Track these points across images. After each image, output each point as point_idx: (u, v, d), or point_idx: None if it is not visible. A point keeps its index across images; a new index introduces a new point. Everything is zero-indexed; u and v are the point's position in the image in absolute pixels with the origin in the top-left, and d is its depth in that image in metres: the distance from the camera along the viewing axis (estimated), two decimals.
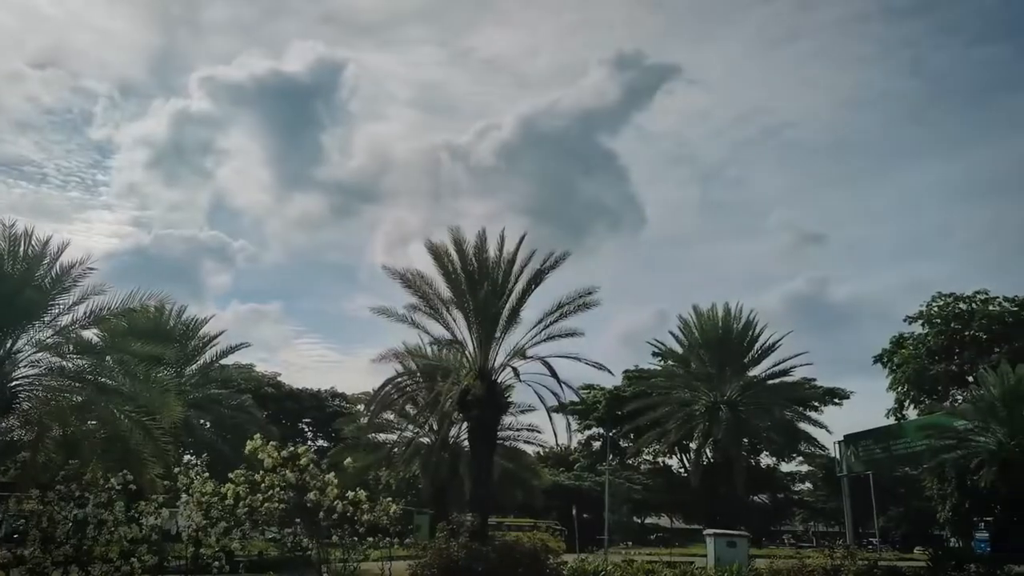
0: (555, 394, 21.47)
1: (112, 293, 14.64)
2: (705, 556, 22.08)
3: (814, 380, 43.63)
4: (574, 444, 54.83)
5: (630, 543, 39.89)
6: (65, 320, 14.50)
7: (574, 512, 38.59)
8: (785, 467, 55.52)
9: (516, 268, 21.88)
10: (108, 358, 15.21)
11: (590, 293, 21.83)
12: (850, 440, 37.40)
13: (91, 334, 15.20)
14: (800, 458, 51.84)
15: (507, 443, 33.07)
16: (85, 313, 14.42)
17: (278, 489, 13.61)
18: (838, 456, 37.87)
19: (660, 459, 54.42)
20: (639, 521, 55.00)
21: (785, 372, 38.46)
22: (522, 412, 32.48)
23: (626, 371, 52.64)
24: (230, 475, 13.81)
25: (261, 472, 13.71)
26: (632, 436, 49.18)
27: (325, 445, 49.03)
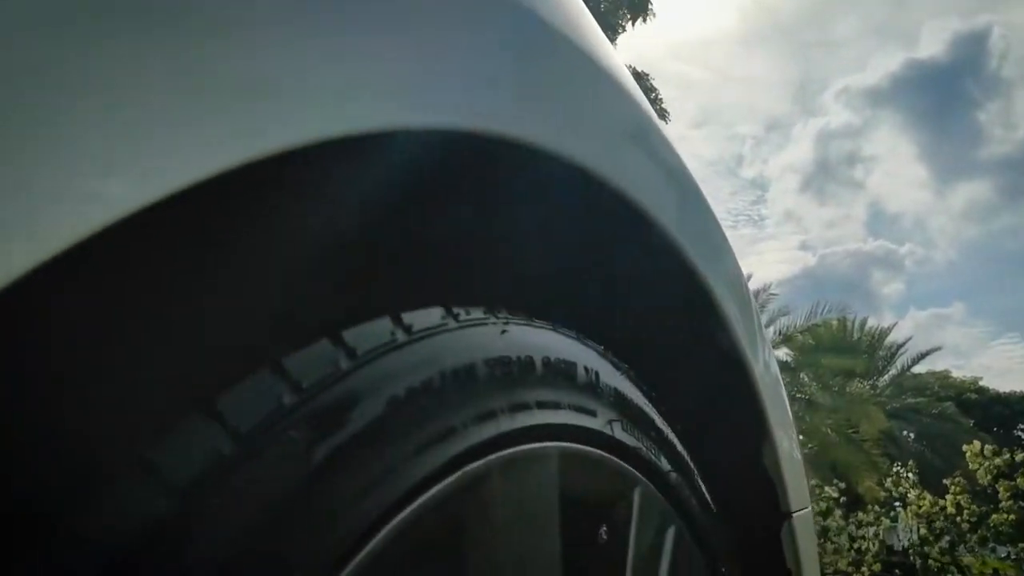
0: None
1: (795, 313, 15.57)
2: None
3: None
4: None
5: None
6: None
7: None
8: None
9: None
10: (801, 374, 16.06)
11: None
12: None
13: (782, 353, 16.31)
14: None
15: None
16: (775, 333, 15.62)
17: (1006, 500, 12.35)
18: None
19: None
20: None
21: None
22: None
23: None
24: (944, 482, 13.09)
25: (987, 480, 12.66)
26: None
27: None
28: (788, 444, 0.95)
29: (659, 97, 15.78)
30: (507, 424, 0.53)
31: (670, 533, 0.73)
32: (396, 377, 0.46)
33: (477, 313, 0.54)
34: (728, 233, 0.91)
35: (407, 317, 0.49)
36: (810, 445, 15.32)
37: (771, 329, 15.74)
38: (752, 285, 16.03)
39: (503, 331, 0.55)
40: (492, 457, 0.51)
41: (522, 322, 0.58)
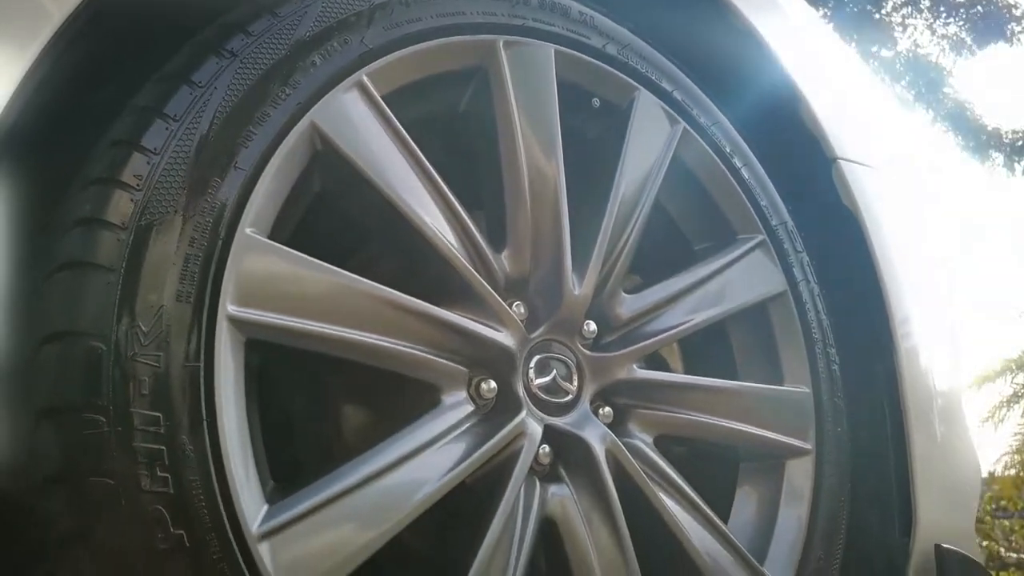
0: None
1: None
2: None
3: None
4: None
5: None
6: None
7: None
8: None
9: None
10: None
11: None
12: None
13: None
14: None
15: None
16: None
17: None
18: None
19: None
20: None
21: None
22: None
23: None
24: None
25: None
26: None
27: None
28: (829, 103, 1.21)
29: None
30: (505, 21, 0.98)
31: (678, 129, 1.09)
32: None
33: None
34: None
35: None
36: None
37: None
38: None
39: None
40: (497, 35, 0.96)
41: None
